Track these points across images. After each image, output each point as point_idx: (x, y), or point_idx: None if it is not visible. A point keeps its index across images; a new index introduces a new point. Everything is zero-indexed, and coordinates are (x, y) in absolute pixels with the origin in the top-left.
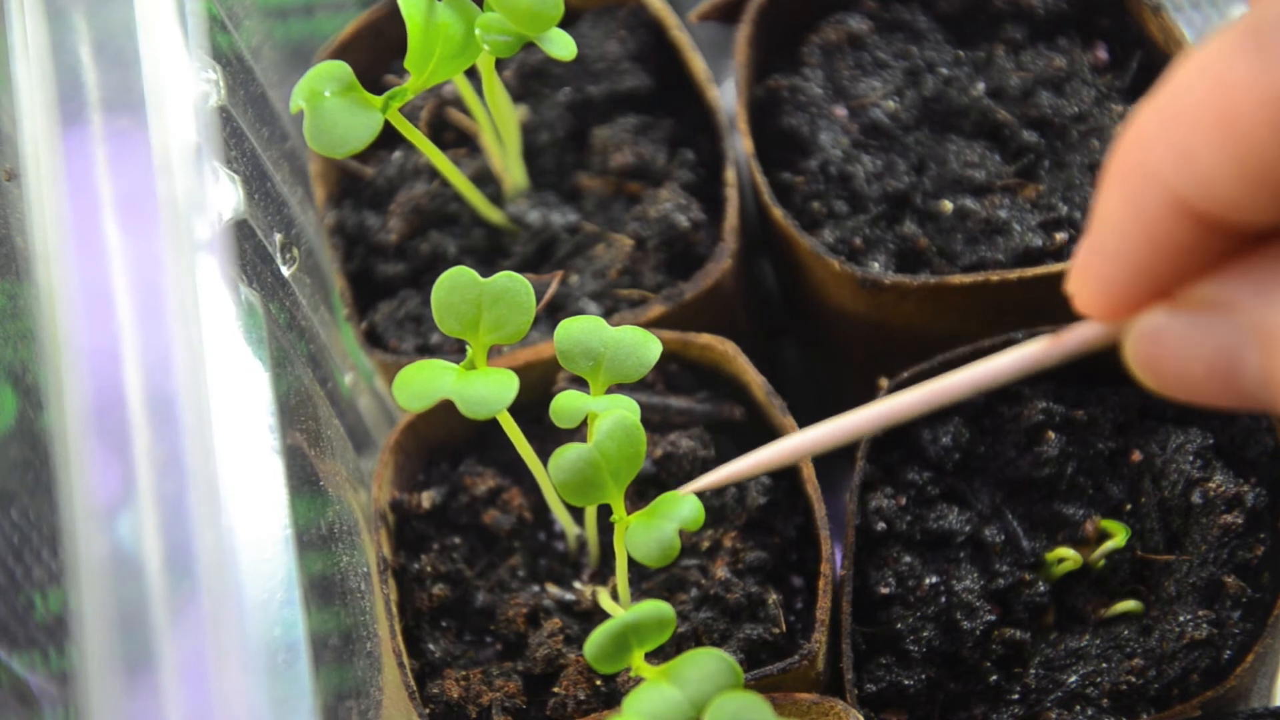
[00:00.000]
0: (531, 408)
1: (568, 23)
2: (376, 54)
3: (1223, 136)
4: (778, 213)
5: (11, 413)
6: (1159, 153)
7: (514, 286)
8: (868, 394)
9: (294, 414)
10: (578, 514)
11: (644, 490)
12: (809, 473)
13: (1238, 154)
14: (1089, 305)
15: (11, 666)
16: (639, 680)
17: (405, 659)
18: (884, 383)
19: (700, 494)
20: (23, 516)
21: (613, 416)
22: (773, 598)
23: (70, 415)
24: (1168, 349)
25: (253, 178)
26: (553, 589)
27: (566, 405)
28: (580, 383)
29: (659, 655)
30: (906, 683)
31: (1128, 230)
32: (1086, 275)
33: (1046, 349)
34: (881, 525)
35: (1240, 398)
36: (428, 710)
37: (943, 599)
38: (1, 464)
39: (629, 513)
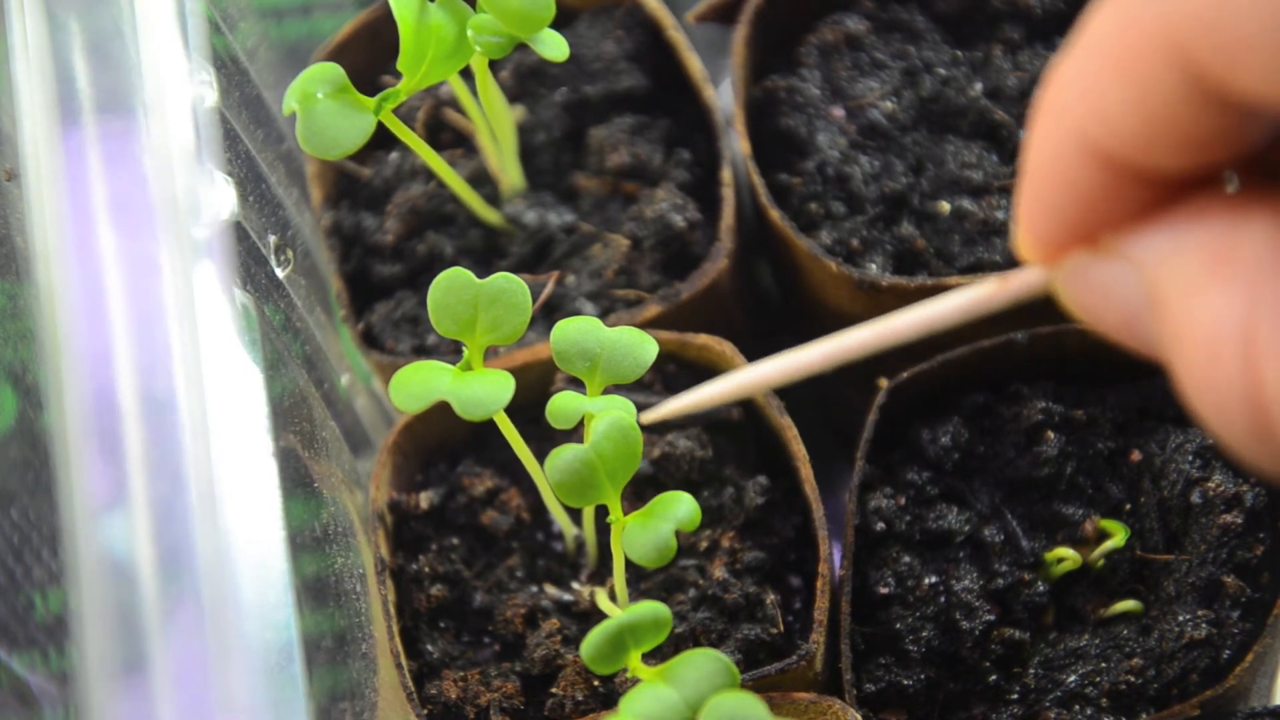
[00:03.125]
0: (529, 408)
1: (564, 22)
2: (373, 55)
3: (1125, 77)
4: (775, 214)
5: (11, 413)
6: (1072, 96)
7: (510, 287)
8: (866, 394)
9: (288, 416)
10: (575, 514)
11: (642, 491)
12: (807, 473)
13: (1139, 94)
14: (1024, 250)
15: (11, 666)
16: (636, 681)
17: (403, 660)
18: (883, 382)
19: (696, 493)
20: (23, 516)
21: (609, 417)
22: (771, 598)
23: (69, 416)
24: (1089, 293)
25: (247, 180)
26: (551, 589)
27: (563, 406)
28: (577, 383)
29: (656, 655)
30: (905, 683)
31: (1049, 175)
32: (1019, 221)
33: (993, 292)
34: (881, 525)
35: (1148, 351)
36: (426, 711)
37: (942, 599)
38: (1, 464)
39: (626, 513)
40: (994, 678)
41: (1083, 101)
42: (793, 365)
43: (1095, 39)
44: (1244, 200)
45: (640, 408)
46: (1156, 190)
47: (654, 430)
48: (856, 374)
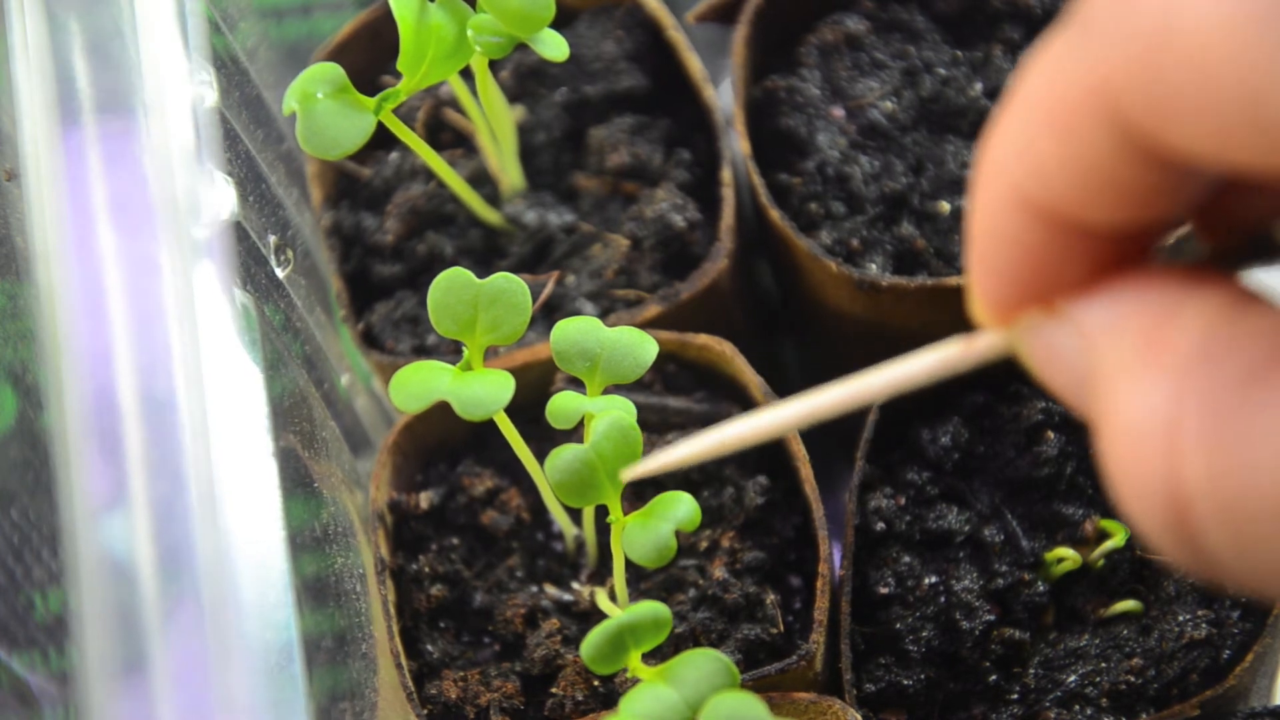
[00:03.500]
0: (529, 408)
1: (564, 23)
2: (374, 55)
3: (1059, 132)
4: (775, 214)
5: (11, 413)
6: (1009, 153)
7: (510, 287)
8: None
9: (288, 416)
10: (575, 514)
11: (641, 490)
12: (807, 473)
13: (1073, 149)
14: (979, 313)
15: (11, 666)
16: (636, 681)
17: (403, 660)
18: None
19: (696, 493)
20: (23, 516)
21: (609, 417)
22: (771, 598)
23: (69, 416)
24: (1040, 355)
25: (247, 180)
26: (551, 589)
27: (563, 406)
28: (577, 383)
29: (656, 655)
30: (905, 683)
31: (994, 235)
32: (970, 284)
33: (959, 354)
34: (881, 525)
35: (1088, 421)
36: (425, 711)
37: (942, 599)
38: (1, 464)
39: (626, 513)
40: (994, 678)
41: (1019, 159)
42: (767, 424)
43: (1030, 95)
44: (1193, 275)
45: (640, 408)
46: (1108, 246)
47: (654, 430)
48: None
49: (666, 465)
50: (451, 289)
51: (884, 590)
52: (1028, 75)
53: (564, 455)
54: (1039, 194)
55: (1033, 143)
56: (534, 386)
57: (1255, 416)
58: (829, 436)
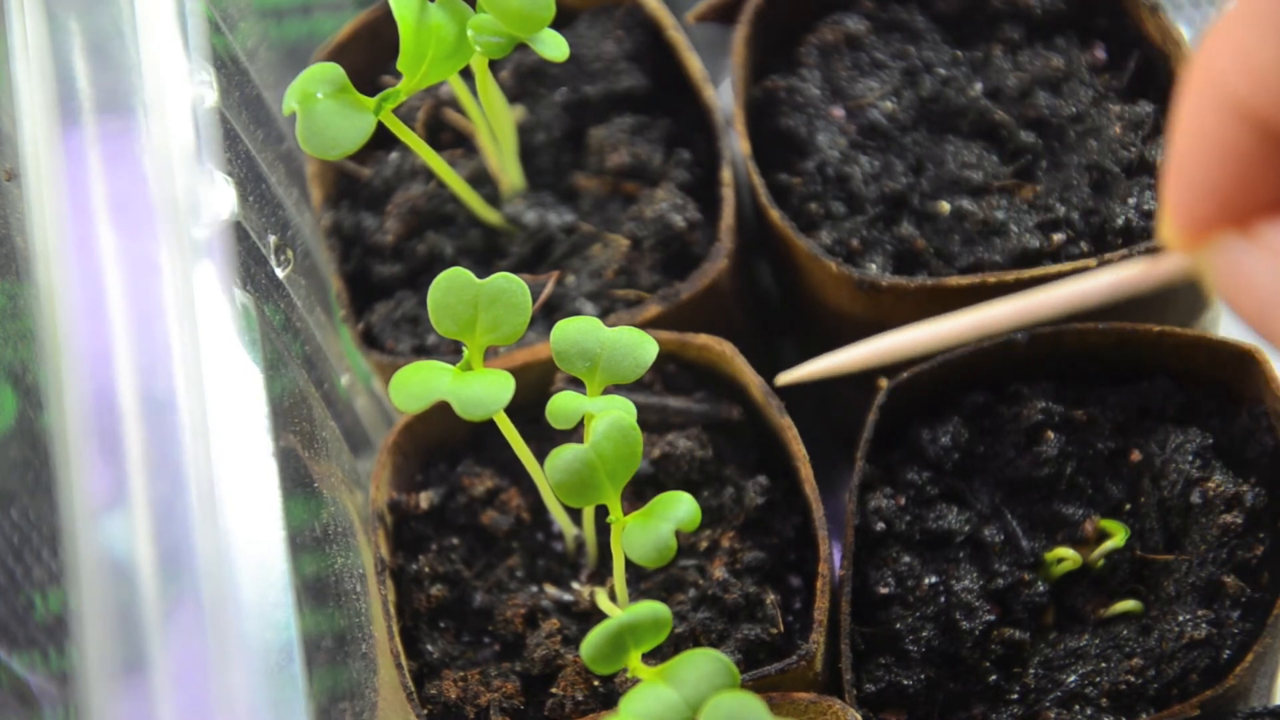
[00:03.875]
0: (529, 408)
1: (564, 23)
2: (374, 55)
3: (1277, 32)
4: (775, 214)
5: (11, 413)
6: (1224, 58)
7: (510, 287)
8: (865, 395)
9: (288, 416)
10: (575, 514)
11: (642, 491)
12: (807, 473)
13: None
14: (1170, 231)
15: (11, 666)
16: (636, 681)
17: (403, 660)
18: (883, 383)
19: (696, 493)
20: (23, 516)
21: (609, 417)
22: (771, 598)
23: (69, 416)
24: (1232, 277)
25: (247, 180)
26: (551, 589)
27: (563, 406)
28: (577, 383)
29: (656, 656)
30: (905, 683)
31: (1200, 146)
32: (1166, 200)
33: (1141, 273)
34: (881, 525)
35: (1276, 345)
36: (426, 711)
37: (942, 599)
38: (1, 464)
39: (626, 513)
40: (994, 678)
41: (1236, 63)
42: (940, 333)
43: (1253, 1)
44: None
45: (640, 408)
46: None
47: (654, 430)
48: (857, 373)
49: (819, 372)
50: (451, 289)
51: (884, 590)
52: None
53: (564, 455)
54: (1256, 99)
55: (1251, 46)
56: (534, 386)
57: None
58: (829, 436)
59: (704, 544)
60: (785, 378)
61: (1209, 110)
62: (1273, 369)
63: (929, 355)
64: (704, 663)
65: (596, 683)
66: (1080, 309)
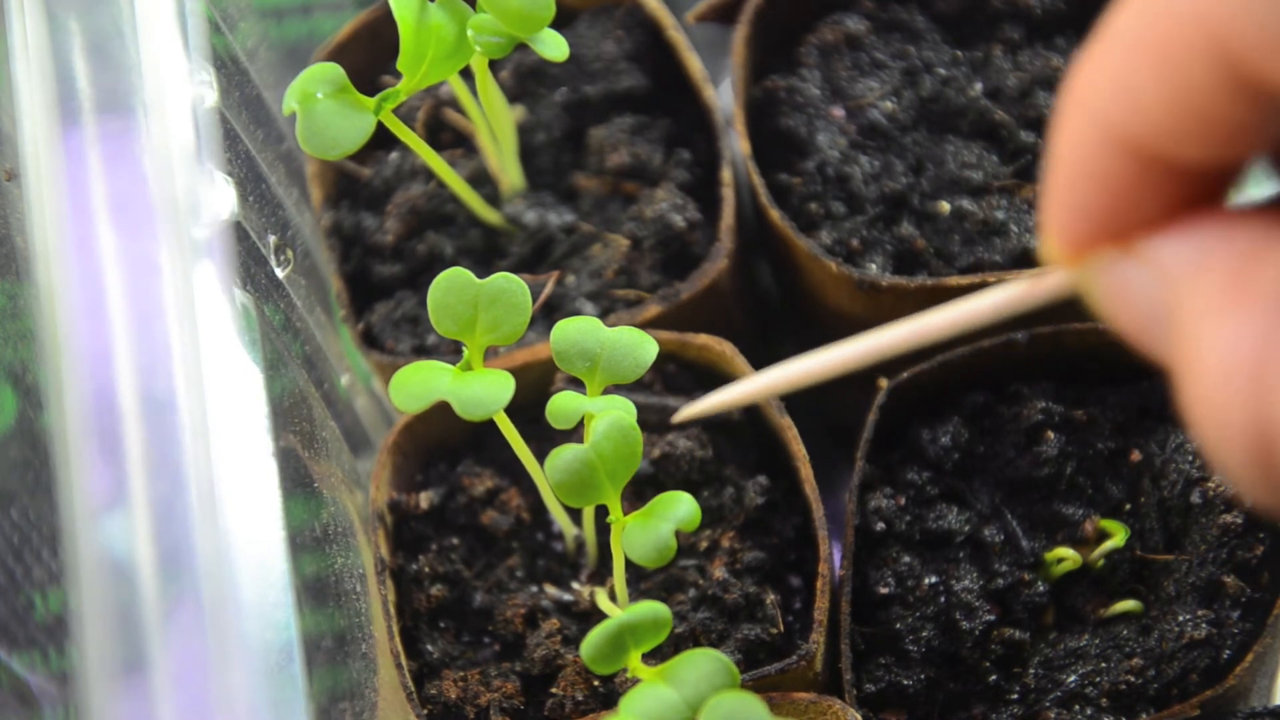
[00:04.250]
0: (529, 408)
1: (564, 23)
2: (374, 55)
3: (1159, 64)
4: (775, 214)
5: (11, 413)
6: (1102, 85)
7: (510, 287)
8: (865, 395)
9: (288, 416)
10: (575, 514)
11: (642, 490)
12: (807, 473)
13: (1172, 81)
14: (1051, 249)
15: (11, 666)
16: (636, 681)
17: (403, 660)
18: (883, 383)
19: (696, 493)
20: (23, 516)
21: (608, 417)
22: (771, 598)
23: (69, 416)
24: (1111, 293)
25: (247, 180)
26: (551, 589)
27: (563, 406)
28: (577, 383)
29: (656, 655)
30: (905, 683)
31: (1077, 168)
32: (1047, 219)
33: (1024, 292)
34: (881, 525)
35: (1159, 359)
36: (425, 711)
37: (942, 599)
38: (1, 464)
39: (626, 513)
40: (994, 678)
41: (1113, 90)
42: (825, 364)
43: (1127, 28)
44: (1270, 215)
45: (640, 408)
46: (1184, 187)
47: (654, 430)
48: (857, 373)
49: (717, 406)
50: (451, 289)
51: (884, 590)
52: (1124, 9)
53: (564, 455)
54: (1132, 126)
55: (1129, 75)
56: (534, 386)
57: None
58: (829, 436)
59: (704, 544)
60: (681, 415)
61: (1084, 134)
62: None
63: (820, 382)
64: (704, 663)
65: (596, 683)
66: (968, 329)
